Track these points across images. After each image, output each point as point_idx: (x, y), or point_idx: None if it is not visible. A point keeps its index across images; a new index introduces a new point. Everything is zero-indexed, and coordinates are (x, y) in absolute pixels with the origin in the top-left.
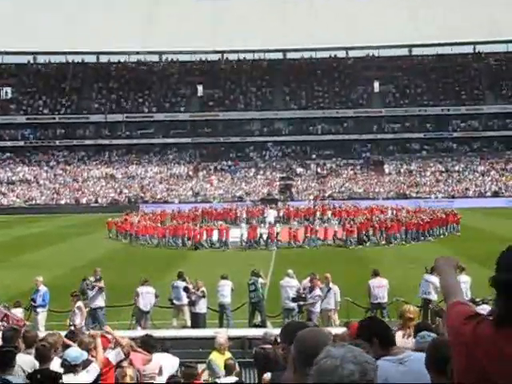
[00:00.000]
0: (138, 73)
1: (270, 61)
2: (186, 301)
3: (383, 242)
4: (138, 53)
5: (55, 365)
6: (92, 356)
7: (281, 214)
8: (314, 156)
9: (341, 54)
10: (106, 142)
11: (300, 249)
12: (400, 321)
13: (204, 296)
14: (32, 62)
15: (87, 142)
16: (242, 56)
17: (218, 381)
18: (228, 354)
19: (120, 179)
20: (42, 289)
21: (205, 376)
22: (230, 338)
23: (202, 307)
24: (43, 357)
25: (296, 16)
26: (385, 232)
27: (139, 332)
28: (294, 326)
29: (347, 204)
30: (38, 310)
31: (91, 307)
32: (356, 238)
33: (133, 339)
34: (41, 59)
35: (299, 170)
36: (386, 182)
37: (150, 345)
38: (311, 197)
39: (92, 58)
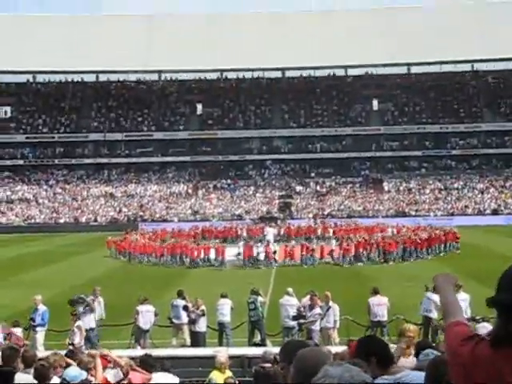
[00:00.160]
0: (137, 92)
1: (269, 79)
2: (185, 320)
3: (382, 260)
4: (137, 72)
5: None
6: (91, 375)
7: (282, 233)
8: (313, 174)
9: (340, 72)
10: (106, 160)
11: (299, 267)
12: (404, 340)
13: (204, 315)
14: (31, 81)
15: (86, 160)
16: (241, 74)
17: None
18: (228, 373)
19: (119, 198)
20: (41, 308)
21: None
22: (230, 357)
23: (201, 326)
24: (42, 376)
25: (295, 35)
26: (382, 250)
27: (139, 351)
28: (294, 344)
29: (348, 222)
30: (37, 329)
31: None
32: (353, 257)
33: (132, 358)
34: (40, 78)
35: (298, 188)
36: (386, 200)
37: (149, 364)
38: (310, 215)
39: (91, 77)
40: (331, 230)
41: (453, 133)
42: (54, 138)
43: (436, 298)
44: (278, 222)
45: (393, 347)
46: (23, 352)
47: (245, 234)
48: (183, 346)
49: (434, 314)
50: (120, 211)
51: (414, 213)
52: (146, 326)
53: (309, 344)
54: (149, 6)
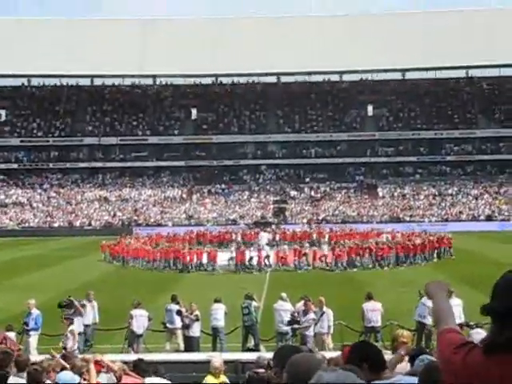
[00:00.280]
0: (132, 96)
1: (264, 84)
2: (179, 324)
3: (377, 266)
4: (132, 76)
5: None
6: (84, 379)
7: (277, 238)
8: (307, 179)
9: (334, 77)
10: (100, 164)
11: (293, 272)
12: (403, 347)
13: (198, 319)
14: (26, 84)
15: (81, 164)
16: (235, 79)
17: None
18: (223, 378)
19: (114, 202)
20: (35, 312)
21: None
22: (224, 362)
23: (195, 331)
24: (35, 380)
25: (290, 40)
26: (374, 255)
27: (132, 356)
28: (288, 350)
29: (342, 227)
30: (31, 333)
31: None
32: (345, 263)
33: (125, 363)
34: (35, 82)
35: (293, 193)
36: (380, 206)
37: (142, 369)
38: (305, 220)
39: (86, 81)
40: (327, 236)
41: (447, 139)
42: (48, 141)
43: (431, 304)
44: (273, 226)
45: (386, 353)
46: (16, 356)
47: (239, 239)
48: (177, 350)
49: (429, 320)
50: (114, 215)
51: (408, 218)
52: (140, 330)
53: (302, 349)
54: (148, 9)
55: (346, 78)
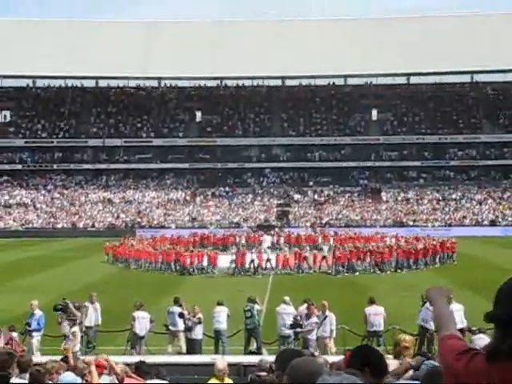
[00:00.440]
0: (136, 98)
1: (269, 87)
2: (181, 327)
3: (375, 270)
4: (136, 78)
5: None
6: (86, 381)
7: (281, 241)
8: (311, 183)
9: (339, 81)
10: (104, 166)
11: (295, 275)
12: (406, 353)
13: (200, 322)
14: (31, 85)
15: (85, 166)
16: (240, 82)
17: None
18: (227, 381)
19: (117, 204)
20: (38, 313)
21: None
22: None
23: (198, 333)
24: (37, 382)
25: (295, 43)
26: (373, 260)
27: (134, 358)
28: (290, 353)
29: (346, 231)
30: (33, 334)
31: (64, 334)
32: (346, 266)
33: (128, 365)
34: (40, 83)
35: (296, 196)
36: (383, 210)
37: (144, 371)
38: (308, 224)
39: (91, 83)
40: (331, 239)
41: (451, 144)
42: (52, 142)
43: None
44: (276, 229)
45: (388, 357)
46: (19, 357)
47: (243, 242)
48: (179, 353)
49: (431, 325)
50: (118, 217)
51: (411, 223)
52: (142, 332)
53: (304, 353)
54: (150, 11)
55: (350, 81)
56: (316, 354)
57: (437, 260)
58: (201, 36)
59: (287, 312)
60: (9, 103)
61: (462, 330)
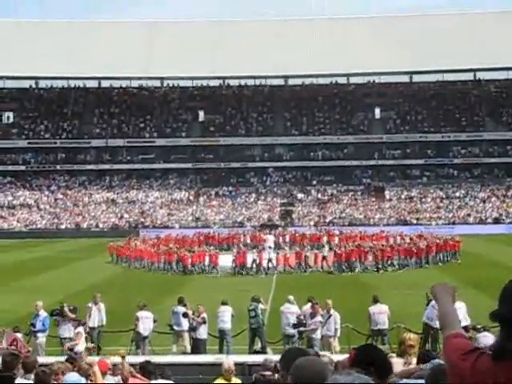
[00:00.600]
0: (139, 98)
1: (271, 87)
2: (185, 327)
3: (376, 269)
4: (139, 78)
5: None
6: (91, 381)
7: (286, 240)
8: (314, 182)
9: (342, 80)
10: (107, 166)
11: (299, 275)
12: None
13: (205, 322)
14: (34, 86)
15: (88, 166)
16: (243, 82)
17: None
18: (235, 380)
19: (121, 204)
20: (42, 314)
21: None
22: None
23: (202, 333)
24: (42, 382)
25: (297, 42)
26: (374, 257)
27: (139, 358)
28: (294, 352)
29: (352, 230)
30: (38, 334)
31: (59, 337)
32: (346, 265)
33: (132, 365)
34: (43, 84)
35: (300, 195)
36: (387, 208)
37: (148, 371)
38: (312, 223)
39: (94, 83)
40: (336, 238)
41: (455, 142)
42: (55, 143)
43: None
44: (280, 229)
45: (392, 356)
46: (24, 358)
47: (248, 241)
48: (184, 353)
49: (436, 324)
50: (121, 217)
51: (415, 221)
52: (146, 332)
53: (309, 352)
54: (147, 12)
55: (353, 80)
56: (321, 353)
57: (440, 258)
58: (202, 36)
59: (291, 311)
60: (12, 104)
61: (465, 328)
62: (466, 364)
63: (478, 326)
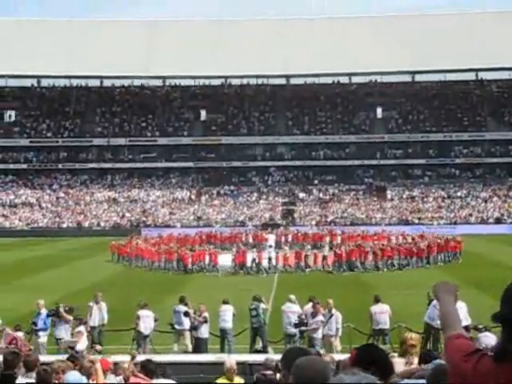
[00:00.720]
0: (141, 97)
1: (273, 86)
2: (187, 326)
3: (380, 269)
4: (141, 77)
5: None
6: (93, 380)
7: (289, 239)
8: (316, 181)
9: (344, 79)
10: (109, 165)
11: (301, 274)
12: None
13: (206, 321)
14: (36, 85)
15: (90, 165)
16: (245, 81)
17: None
18: (238, 380)
19: (122, 203)
20: (44, 312)
21: None
22: None
23: (203, 332)
24: (44, 381)
25: (299, 41)
26: (374, 258)
27: (140, 356)
28: (296, 352)
29: (354, 229)
30: (40, 333)
31: (55, 337)
32: (346, 264)
33: (133, 364)
34: (45, 83)
35: (301, 195)
36: (389, 208)
37: (150, 370)
38: (313, 222)
39: (96, 82)
40: (339, 238)
41: (456, 141)
42: (57, 142)
43: None
44: (281, 228)
45: (394, 356)
46: (25, 356)
47: (251, 241)
48: (185, 352)
49: (438, 324)
50: (123, 216)
51: (417, 221)
52: (147, 331)
53: (311, 352)
54: (147, 11)
55: (355, 80)
56: (322, 352)
57: (441, 258)
58: (204, 35)
59: (293, 310)
60: (14, 103)
61: (466, 328)
62: (468, 365)
63: (480, 326)
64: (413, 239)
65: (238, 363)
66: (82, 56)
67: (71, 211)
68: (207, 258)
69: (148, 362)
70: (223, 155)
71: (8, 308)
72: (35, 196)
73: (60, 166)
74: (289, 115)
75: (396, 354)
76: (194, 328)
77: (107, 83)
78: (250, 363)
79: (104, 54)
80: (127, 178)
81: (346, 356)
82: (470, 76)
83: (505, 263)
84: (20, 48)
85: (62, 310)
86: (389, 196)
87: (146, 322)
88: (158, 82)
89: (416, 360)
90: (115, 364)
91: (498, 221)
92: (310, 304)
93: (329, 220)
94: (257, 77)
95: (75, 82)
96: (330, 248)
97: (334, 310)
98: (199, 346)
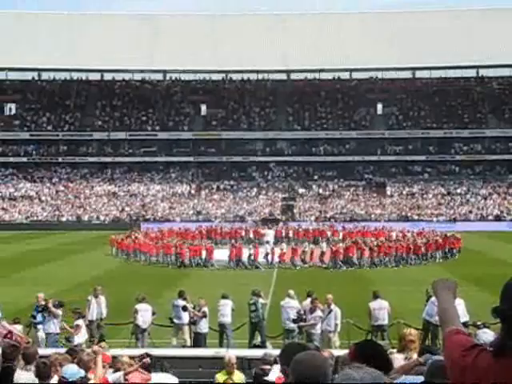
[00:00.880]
0: (141, 91)
1: (274, 81)
2: (185, 320)
3: (377, 265)
4: (142, 71)
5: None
6: (91, 373)
7: (290, 235)
8: (316, 177)
9: (344, 75)
10: (109, 159)
11: (297, 270)
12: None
13: (205, 316)
14: (36, 78)
15: (90, 159)
16: (245, 76)
17: None
18: (237, 374)
19: (122, 197)
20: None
21: None
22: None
23: (203, 327)
24: (43, 373)
25: (300, 37)
26: (370, 254)
27: (138, 350)
28: (294, 347)
29: (355, 225)
30: (39, 326)
31: (44, 332)
32: (342, 261)
33: (132, 358)
34: (45, 76)
35: (301, 190)
36: (388, 204)
37: (148, 364)
38: (313, 217)
39: (96, 76)
40: (340, 233)
41: (457, 138)
42: (58, 135)
43: None
44: (281, 223)
45: (393, 352)
46: (24, 349)
47: (251, 236)
48: (184, 346)
49: (436, 320)
50: (123, 210)
51: (416, 217)
52: (145, 324)
53: (309, 347)
54: (146, 6)
55: (355, 75)
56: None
57: (439, 255)
58: (205, 29)
59: (291, 306)
60: (14, 96)
61: (464, 324)
62: (467, 360)
63: (479, 323)
64: (412, 236)
65: (237, 358)
66: (82, 49)
67: (71, 205)
68: (204, 253)
69: (147, 355)
70: (223, 150)
71: (7, 301)
72: (35, 189)
73: (60, 159)
74: (289, 110)
75: (395, 350)
76: (193, 323)
77: (108, 77)
78: (248, 358)
79: (105, 47)
80: (127, 172)
81: (344, 352)
82: (471, 73)
83: (504, 260)
84: (20, 41)
85: (50, 305)
86: (388, 192)
87: (144, 315)
88: (159, 77)
89: (415, 356)
90: (114, 358)
91: (498, 218)
92: (309, 299)
93: (328, 216)
94: (257, 72)
95: (76, 76)
96: (328, 244)
97: (333, 306)
98: (198, 340)
